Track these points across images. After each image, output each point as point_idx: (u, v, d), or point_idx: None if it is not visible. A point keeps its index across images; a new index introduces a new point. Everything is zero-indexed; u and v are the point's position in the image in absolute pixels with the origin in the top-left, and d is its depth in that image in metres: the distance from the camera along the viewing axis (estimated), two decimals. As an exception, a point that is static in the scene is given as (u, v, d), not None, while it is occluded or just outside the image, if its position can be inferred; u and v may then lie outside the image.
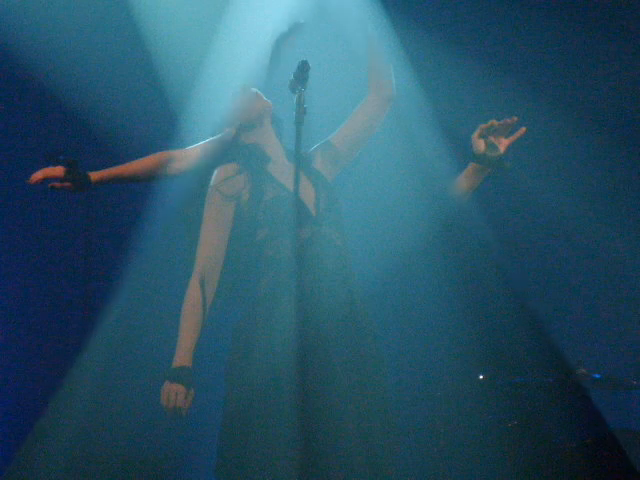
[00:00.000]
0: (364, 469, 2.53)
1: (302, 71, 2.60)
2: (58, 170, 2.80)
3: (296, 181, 2.49)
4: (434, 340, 5.13)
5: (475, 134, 2.92)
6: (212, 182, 2.83)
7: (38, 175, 2.78)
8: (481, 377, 4.40)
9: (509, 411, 4.28)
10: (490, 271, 5.25)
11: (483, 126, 2.90)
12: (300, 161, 2.52)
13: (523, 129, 2.91)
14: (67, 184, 2.79)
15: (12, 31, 4.95)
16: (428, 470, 4.35)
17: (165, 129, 4.82)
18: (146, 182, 2.93)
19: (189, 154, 2.94)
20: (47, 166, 2.80)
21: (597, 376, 4.29)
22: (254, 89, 2.98)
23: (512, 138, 2.92)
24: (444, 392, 4.39)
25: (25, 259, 5.17)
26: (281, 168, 2.90)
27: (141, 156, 2.94)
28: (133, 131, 5.13)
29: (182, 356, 2.67)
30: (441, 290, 5.24)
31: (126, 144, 5.00)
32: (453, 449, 4.29)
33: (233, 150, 2.93)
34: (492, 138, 2.90)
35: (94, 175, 2.84)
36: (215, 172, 2.85)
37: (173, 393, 2.61)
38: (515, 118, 2.89)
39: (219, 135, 2.97)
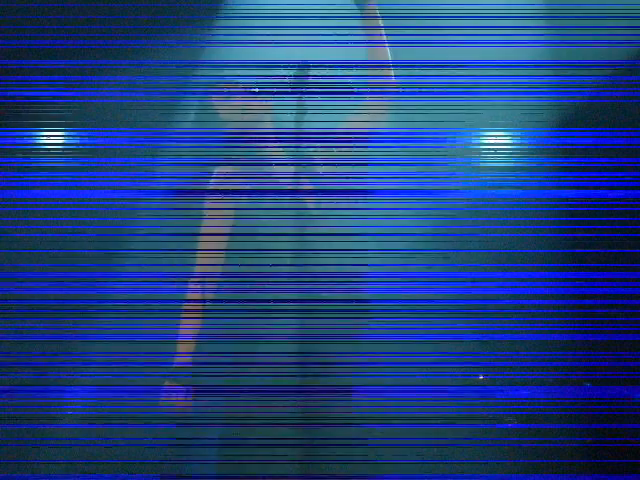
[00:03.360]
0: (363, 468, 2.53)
1: (302, 71, 2.60)
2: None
3: (296, 181, 2.49)
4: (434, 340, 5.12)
5: None
6: (212, 182, 2.83)
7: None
8: (481, 377, 4.40)
9: (509, 411, 4.28)
10: (489, 271, 5.24)
11: None
12: (300, 161, 2.52)
13: None
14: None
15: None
16: (428, 470, 4.35)
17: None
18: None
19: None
20: None
21: (588, 385, 4.28)
22: (254, 89, 2.98)
23: None
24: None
25: (24, 257, 5.17)
26: (281, 167, 2.89)
27: None
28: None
29: (182, 356, 2.66)
30: (441, 290, 5.23)
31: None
32: (453, 449, 4.29)
33: (233, 150, 2.93)
34: None
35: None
36: (215, 172, 2.84)
37: (173, 393, 2.61)
38: None
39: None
